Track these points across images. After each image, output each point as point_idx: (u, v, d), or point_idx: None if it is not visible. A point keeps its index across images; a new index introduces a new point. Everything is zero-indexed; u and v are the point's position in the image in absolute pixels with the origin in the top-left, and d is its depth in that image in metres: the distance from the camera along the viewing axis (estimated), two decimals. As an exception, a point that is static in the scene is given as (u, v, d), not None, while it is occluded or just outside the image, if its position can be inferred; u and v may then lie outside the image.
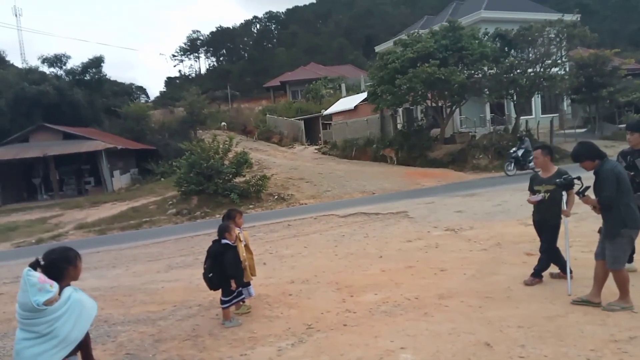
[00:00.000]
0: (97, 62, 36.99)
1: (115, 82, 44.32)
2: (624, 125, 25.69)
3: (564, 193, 5.55)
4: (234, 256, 5.47)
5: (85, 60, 36.97)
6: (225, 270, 5.32)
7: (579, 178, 5.15)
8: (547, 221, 5.77)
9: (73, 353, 2.86)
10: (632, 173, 5.39)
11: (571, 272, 5.53)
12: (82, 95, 33.90)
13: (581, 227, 8.33)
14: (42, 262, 2.90)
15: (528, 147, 18.86)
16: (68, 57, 37.38)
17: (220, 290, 5.47)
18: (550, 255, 5.81)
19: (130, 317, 6.16)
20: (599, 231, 5.14)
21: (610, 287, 4.95)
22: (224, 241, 5.49)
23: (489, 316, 4.89)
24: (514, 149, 19.66)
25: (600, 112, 28.03)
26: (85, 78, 36.99)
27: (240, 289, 5.61)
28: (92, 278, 8.79)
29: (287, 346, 4.67)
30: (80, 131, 29.12)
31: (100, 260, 10.75)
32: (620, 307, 4.73)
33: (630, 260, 5.79)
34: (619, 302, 4.78)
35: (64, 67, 37.27)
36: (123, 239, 14.48)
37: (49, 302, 2.69)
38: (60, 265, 2.96)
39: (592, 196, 4.87)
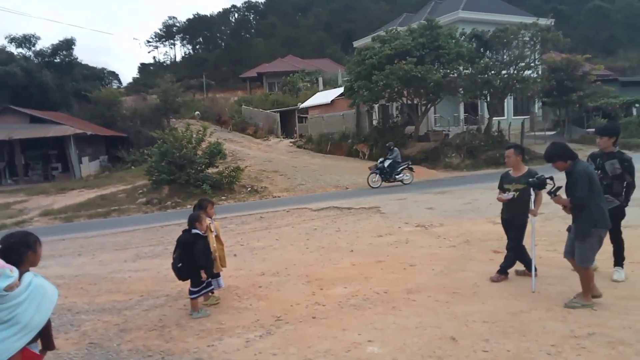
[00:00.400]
0: (68, 44, 35.98)
1: (86, 65, 43.17)
2: (592, 130, 26.54)
3: (532, 193, 5.68)
4: (205, 246, 5.40)
5: (55, 42, 35.94)
6: (195, 261, 5.25)
7: (551, 178, 5.23)
8: (515, 219, 5.89)
9: (34, 340, 2.78)
10: (601, 175, 5.54)
11: (536, 270, 5.66)
12: (51, 77, 32.95)
13: (547, 227, 8.54)
14: (0, 246, 2.80)
15: (397, 157, 18.16)
16: (37, 38, 36.34)
17: (189, 281, 5.41)
18: (516, 252, 5.94)
19: (95, 306, 6.03)
20: (568, 229, 5.26)
21: (574, 287, 5.10)
22: (194, 231, 5.41)
23: (456, 311, 4.97)
24: (381, 159, 18.67)
25: (570, 116, 28.78)
26: (55, 60, 35.97)
27: (210, 279, 5.55)
28: (57, 266, 8.56)
29: (255, 337, 4.65)
30: (48, 115, 28.29)
31: (65, 248, 10.49)
32: (581, 305, 4.86)
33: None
34: (580, 300, 4.91)
35: (32, 48, 36.22)
36: (90, 227, 14.16)
37: (9, 288, 2.60)
38: (20, 250, 2.86)
39: (564, 196, 4.97)
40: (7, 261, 2.71)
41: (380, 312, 5.12)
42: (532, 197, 5.67)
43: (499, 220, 9.30)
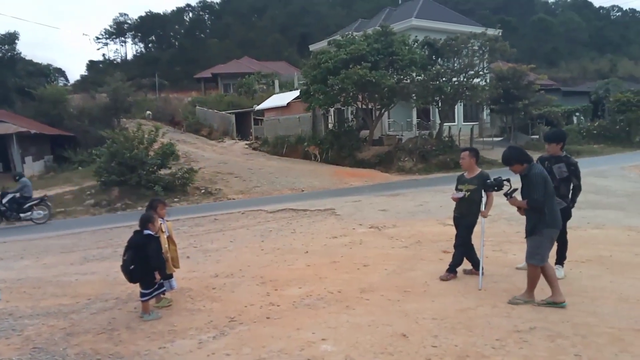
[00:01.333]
0: (10, 38, 34.35)
1: (30, 61, 41.29)
2: (536, 136, 27.89)
3: (483, 194, 5.93)
4: (158, 247, 5.31)
5: (-4, 35, 34.12)
6: (149, 262, 5.15)
7: (508, 180, 5.41)
8: (464, 218, 6.13)
9: None
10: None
11: (483, 268, 5.91)
12: (-8, 73, 31.25)
13: (493, 228, 8.90)
14: None
15: (25, 190, 14.59)
16: (-24, 31, 34.29)
17: (139, 283, 5.29)
18: (464, 251, 6.17)
19: (39, 310, 5.77)
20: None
21: (518, 285, 5.35)
22: (146, 232, 5.30)
23: (407, 309, 5.11)
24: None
25: (516, 123, 30.07)
26: (-4, 55, 34.16)
27: (162, 281, 5.46)
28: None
29: (208, 339, 4.61)
30: (-13, 112, 26.80)
31: (6, 251, 9.97)
32: (523, 301, 5.09)
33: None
34: (523, 296, 5.14)
35: (-29, 42, 34.20)
36: (33, 229, 13.52)
37: None
38: None
39: (519, 198, 5.16)
40: None
41: (334, 311, 5.20)
42: (484, 200, 5.93)
43: (449, 222, 9.62)
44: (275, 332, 4.67)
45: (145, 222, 5.34)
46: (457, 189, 6.21)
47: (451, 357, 3.94)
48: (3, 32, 34.37)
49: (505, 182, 5.42)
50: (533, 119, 31.06)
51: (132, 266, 5.18)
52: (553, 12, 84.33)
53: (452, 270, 6.17)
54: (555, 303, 4.97)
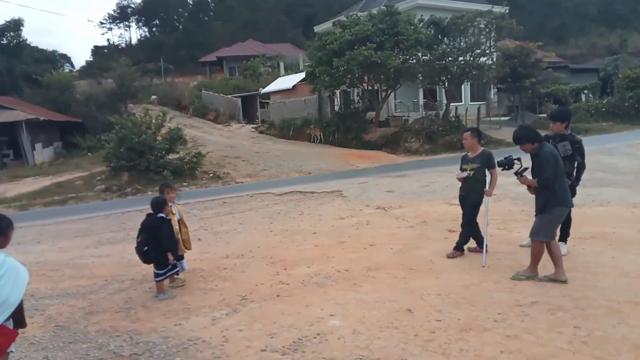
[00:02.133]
0: (16, 25, 34.38)
1: (36, 48, 41.39)
2: (544, 115, 27.70)
3: (487, 173, 6.04)
4: (170, 230, 5.50)
5: (1, 22, 34.17)
6: (162, 244, 5.34)
7: (519, 159, 5.41)
8: (469, 197, 6.25)
9: (8, 318, 2.85)
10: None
11: (487, 246, 6.05)
12: (-1, 60, 31.43)
13: (498, 207, 9.01)
14: None
15: None
16: (-18, 19, 34.40)
17: (152, 264, 5.49)
18: (469, 229, 6.30)
19: (59, 291, 6.03)
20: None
21: (521, 261, 5.48)
22: (160, 215, 5.48)
23: (412, 286, 5.28)
24: None
25: (523, 102, 29.89)
26: (2, 42, 34.28)
27: (175, 262, 5.65)
28: (16, 253, 8.28)
29: (221, 316, 4.82)
30: (-4, 100, 27.04)
31: (23, 236, 10.23)
32: (526, 277, 5.22)
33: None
34: (526, 272, 5.27)
35: (-24, 30, 34.31)
36: (47, 215, 13.82)
37: None
38: None
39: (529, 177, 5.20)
40: None
41: (342, 288, 5.38)
42: (488, 178, 6.04)
43: (455, 201, 9.74)
44: (285, 309, 4.86)
45: (160, 205, 5.51)
46: (461, 169, 6.32)
47: (454, 329, 4.10)
48: (8, 19, 34.39)
49: (515, 161, 5.42)
50: (541, 97, 30.84)
51: (146, 248, 5.37)
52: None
53: (459, 248, 6.32)
54: (556, 280, 5.07)
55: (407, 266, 6.00)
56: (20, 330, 3.13)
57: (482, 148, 6.30)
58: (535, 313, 4.35)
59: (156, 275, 5.48)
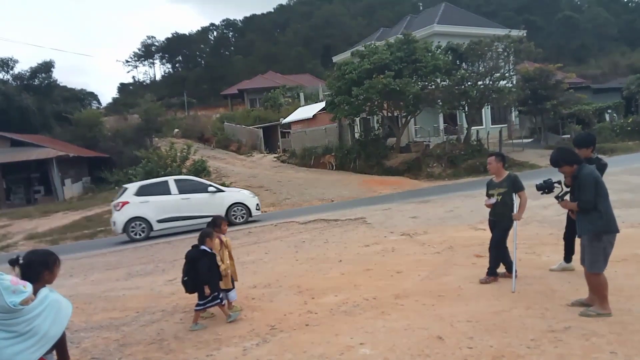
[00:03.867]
0: (47, 66, 35.99)
1: (65, 87, 43.15)
2: (567, 136, 27.39)
3: (515, 197, 6.02)
4: (210, 263, 5.53)
5: (34, 64, 35.91)
6: (199, 276, 5.44)
7: (559, 182, 5.27)
8: (500, 222, 6.21)
9: (49, 351, 2.96)
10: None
11: (516, 271, 5.98)
12: (31, 100, 32.87)
13: (525, 231, 8.89)
14: (21, 261, 2.99)
15: None
16: (15, 62, 36.41)
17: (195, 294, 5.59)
18: (497, 253, 6.23)
19: (93, 323, 6.17)
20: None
21: (552, 286, 5.39)
22: (202, 247, 5.58)
23: (441, 313, 5.24)
24: None
25: (545, 123, 29.62)
26: (34, 83, 35.91)
27: (216, 294, 5.61)
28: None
29: (251, 346, 4.86)
30: (29, 138, 28.14)
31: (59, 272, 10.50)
32: (596, 314, 4.71)
33: (569, 260, 6.31)
34: (597, 309, 4.76)
35: (11, 72, 36.11)
36: (77, 248, 14.16)
37: (24, 302, 2.78)
38: (37, 268, 3.05)
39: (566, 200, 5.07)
40: (24, 276, 2.91)
41: (370, 317, 5.37)
42: (516, 202, 6.02)
43: (481, 226, 9.68)
44: (315, 338, 4.88)
45: (204, 237, 5.62)
46: (488, 195, 6.31)
47: (487, 357, 4.05)
48: (40, 62, 36.04)
49: (555, 184, 5.26)
50: (563, 118, 30.53)
51: (186, 278, 5.53)
52: (579, 9, 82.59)
53: (492, 273, 6.23)
54: (600, 314, 4.70)
55: (435, 293, 5.97)
56: None
57: (507, 172, 6.30)
58: (569, 339, 4.27)
59: (196, 305, 5.58)
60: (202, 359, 4.67)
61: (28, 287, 2.87)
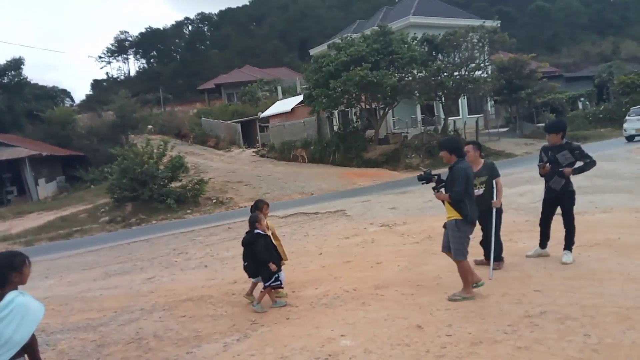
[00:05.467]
0: (16, 64, 34.96)
1: (36, 85, 42.04)
2: (541, 124, 27.84)
3: (494, 184, 6.09)
4: (265, 243, 5.68)
5: (2, 62, 34.82)
6: (258, 257, 5.57)
7: (438, 175, 5.52)
8: (491, 209, 6.15)
9: (19, 355, 2.88)
10: (551, 165, 5.99)
11: (493, 259, 6.04)
12: (0, 99, 31.86)
13: (502, 218, 9.00)
14: None
15: None
16: (-18, 59, 35.03)
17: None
18: (498, 238, 6.16)
19: (69, 325, 6.05)
20: (444, 226, 5.57)
21: (528, 272, 5.47)
22: (256, 231, 5.71)
23: (420, 302, 5.29)
24: None
25: (520, 112, 30.09)
26: (3, 81, 34.87)
27: (277, 275, 5.72)
28: (24, 289, 8.42)
29: (232, 342, 4.83)
30: (-1, 137, 27.34)
31: (31, 272, 10.27)
32: (462, 297, 5.20)
33: (544, 246, 6.41)
34: (462, 293, 5.25)
35: (-22, 70, 34.91)
36: (53, 249, 13.87)
37: None
38: (3, 271, 2.96)
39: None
40: None
41: (351, 308, 5.39)
42: (495, 190, 6.08)
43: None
44: (296, 332, 4.88)
45: (254, 222, 5.78)
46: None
47: (465, 343, 4.12)
48: (9, 59, 34.97)
49: (434, 177, 5.54)
50: (538, 107, 31.07)
51: (246, 263, 5.72)
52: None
53: (498, 258, 6.17)
54: (465, 297, 5.19)
55: (414, 282, 6.02)
56: None
57: (483, 160, 6.36)
58: (544, 323, 4.36)
59: (263, 286, 5.73)
60: (182, 356, 4.63)
61: None
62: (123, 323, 5.88)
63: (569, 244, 6.18)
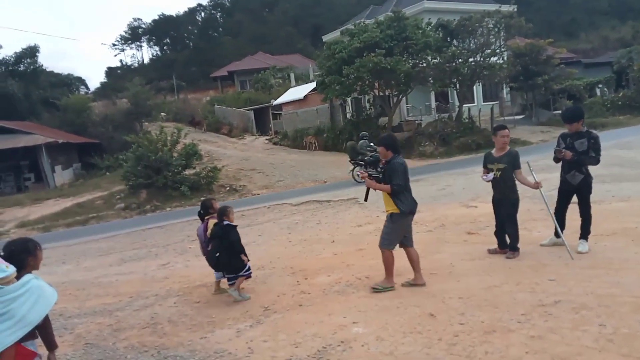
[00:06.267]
0: (32, 51, 35.27)
1: (52, 72, 42.38)
2: (558, 112, 27.41)
3: (529, 167, 6.03)
4: (238, 233, 5.77)
5: (18, 50, 35.10)
6: (234, 247, 5.63)
7: (374, 168, 5.72)
8: (507, 198, 6.12)
9: (32, 337, 2.93)
10: (571, 153, 5.89)
11: (563, 238, 5.97)
12: (17, 87, 32.24)
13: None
14: (2, 253, 2.95)
15: None
16: (-1, 47, 35.38)
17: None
18: (515, 228, 6.13)
19: (86, 309, 6.17)
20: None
21: (542, 261, 5.43)
22: (225, 222, 5.73)
23: (433, 290, 5.28)
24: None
25: (537, 99, 29.61)
26: (19, 69, 35.20)
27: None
28: (41, 274, 8.55)
29: (245, 327, 4.88)
30: (16, 125, 27.72)
31: (48, 257, 10.40)
32: (382, 288, 5.38)
33: (559, 235, 6.32)
34: (382, 283, 5.44)
35: (-6, 58, 35.29)
36: (70, 235, 14.10)
37: (4, 281, 2.73)
38: (20, 256, 3.03)
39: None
40: None
41: (363, 296, 5.41)
42: (534, 173, 6.00)
43: (473, 204, 9.73)
44: (308, 318, 4.91)
45: (222, 214, 5.79)
46: (486, 168, 6.24)
47: (478, 332, 4.10)
48: (24, 47, 35.30)
49: (371, 168, 5.74)
50: (554, 94, 30.53)
51: (218, 254, 5.69)
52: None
53: (514, 248, 6.15)
54: (416, 285, 5.44)
55: (427, 271, 5.99)
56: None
57: (509, 148, 6.25)
58: (559, 312, 4.33)
59: (229, 279, 5.75)
60: (196, 341, 4.69)
61: (10, 268, 2.83)
62: (138, 308, 5.98)
63: (585, 233, 6.11)
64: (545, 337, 3.87)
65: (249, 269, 5.82)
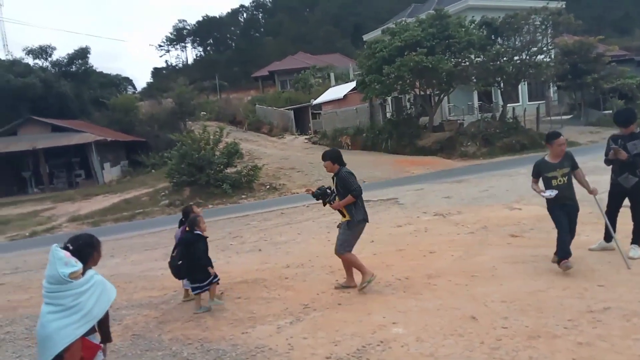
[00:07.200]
0: (83, 53, 36.71)
1: (101, 73, 43.91)
2: (609, 112, 26.30)
3: (581, 173, 5.73)
4: (205, 245, 5.69)
5: (70, 51, 36.64)
6: (197, 259, 5.52)
7: (329, 188, 5.85)
8: (575, 203, 5.69)
9: (92, 331, 3.08)
10: (626, 154, 5.65)
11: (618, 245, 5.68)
12: (69, 87, 33.66)
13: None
14: (70, 247, 3.12)
15: None
16: (53, 49, 37.13)
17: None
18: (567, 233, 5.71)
19: (133, 302, 6.42)
20: (338, 226, 5.85)
21: (591, 266, 5.24)
22: (196, 232, 5.68)
23: (475, 293, 5.19)
24: None
25: (586, 99, 28.50)
26: (72, 69, 36.71)
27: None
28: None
29: (285, 324, 4.95)
30: (68, 123, 29.00)
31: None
32: (367, 282, 5.56)
33: (609, 240, 6.04)
34: (363, 280, 5.59)
35: (49, 59, 36.97)
36: (118, 230, 14.65)
37: (74, 276, 2.89)
38: (87, 250, 3.17)
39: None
40: None
41: (403, 296, 5.38)
42: (587, 178, 5.74)
43: (516, 206, 9.49)
44: (348, 317, 4.93)
45: (193, 223, 5.73)
46: (545, 178, 5.73)
47: (522, 337, 4.01)
48: (76, 48, 36.80)
49: (327, 190, 5.84)
50: (605, 93, 29.26)
51: (180, 262, 5.59)
52: (623, -24, 78.30)
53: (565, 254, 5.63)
54: (349, 287, 5.79)
55: (468, 273, 5.91)
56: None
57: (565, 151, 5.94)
58: (608, 319, 4.17)
59: (193, 289, 5.63)
60: (237, 336, 4.79)
61: (79, 263, 2.99)
62: (182, 302, 6.16)
63: (637, 238, 5.86)
64: (594, 344, 3.75)
65: (215, 276, 5.63)
